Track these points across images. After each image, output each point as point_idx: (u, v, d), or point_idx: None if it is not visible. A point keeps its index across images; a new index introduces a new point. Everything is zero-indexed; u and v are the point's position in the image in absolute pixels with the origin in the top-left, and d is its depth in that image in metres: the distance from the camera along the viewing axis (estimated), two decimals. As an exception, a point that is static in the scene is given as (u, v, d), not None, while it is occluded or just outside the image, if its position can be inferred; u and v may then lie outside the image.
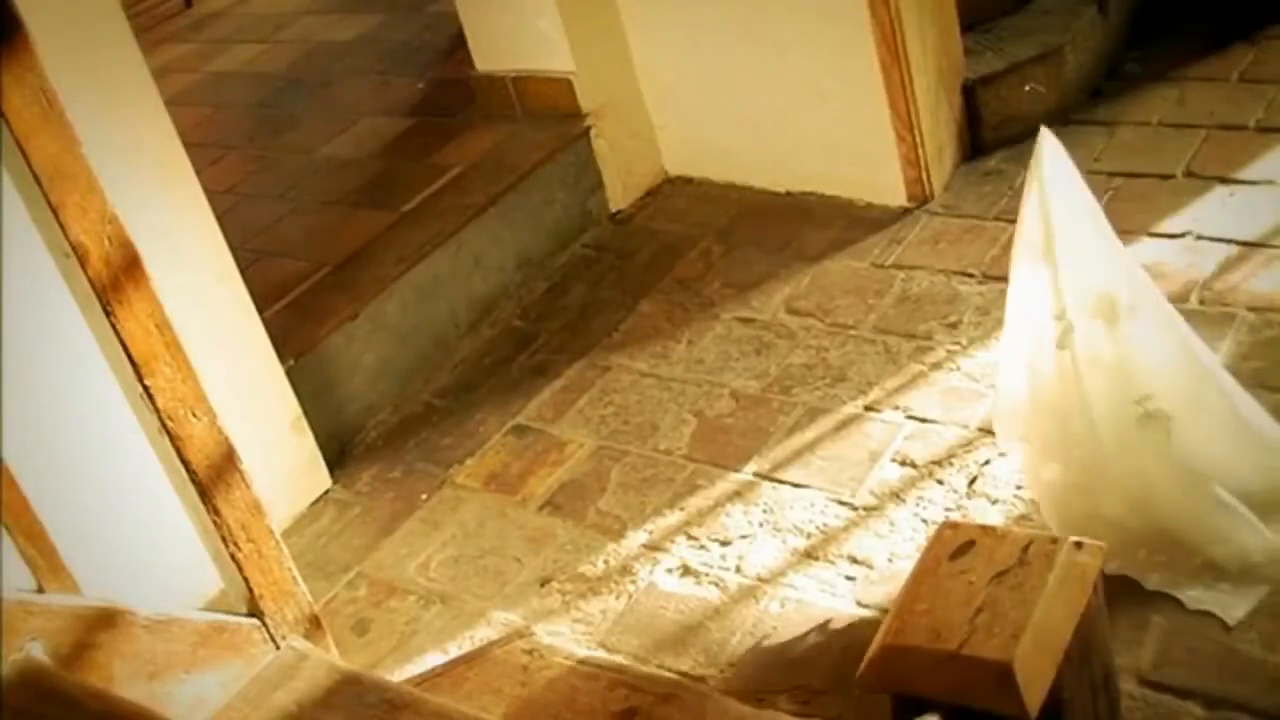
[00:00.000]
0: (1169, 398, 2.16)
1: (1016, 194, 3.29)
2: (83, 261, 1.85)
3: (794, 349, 2.99)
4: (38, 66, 1.79)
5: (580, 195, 3.62)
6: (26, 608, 1.88)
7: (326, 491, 2.97)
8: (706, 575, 2.48)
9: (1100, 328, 2.14)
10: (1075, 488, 2.27)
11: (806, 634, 2.30)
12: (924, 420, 2.69)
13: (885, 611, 1.97)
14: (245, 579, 2.07)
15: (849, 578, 2.39)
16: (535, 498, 2.79)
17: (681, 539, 2.57)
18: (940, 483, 2.53)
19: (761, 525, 2.55)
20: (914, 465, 2.59)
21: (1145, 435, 2.16)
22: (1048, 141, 2.11)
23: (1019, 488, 2.47)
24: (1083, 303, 2.14)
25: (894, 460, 2.61)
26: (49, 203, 1.82)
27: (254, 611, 2.10)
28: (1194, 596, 2.15)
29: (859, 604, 2.33)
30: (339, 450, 3.05)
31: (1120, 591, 2.18)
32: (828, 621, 2.31)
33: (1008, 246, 3.12)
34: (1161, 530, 2.19)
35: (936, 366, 2.82)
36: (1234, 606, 2.11)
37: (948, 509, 2.47)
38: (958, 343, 2.87)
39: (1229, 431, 2.22)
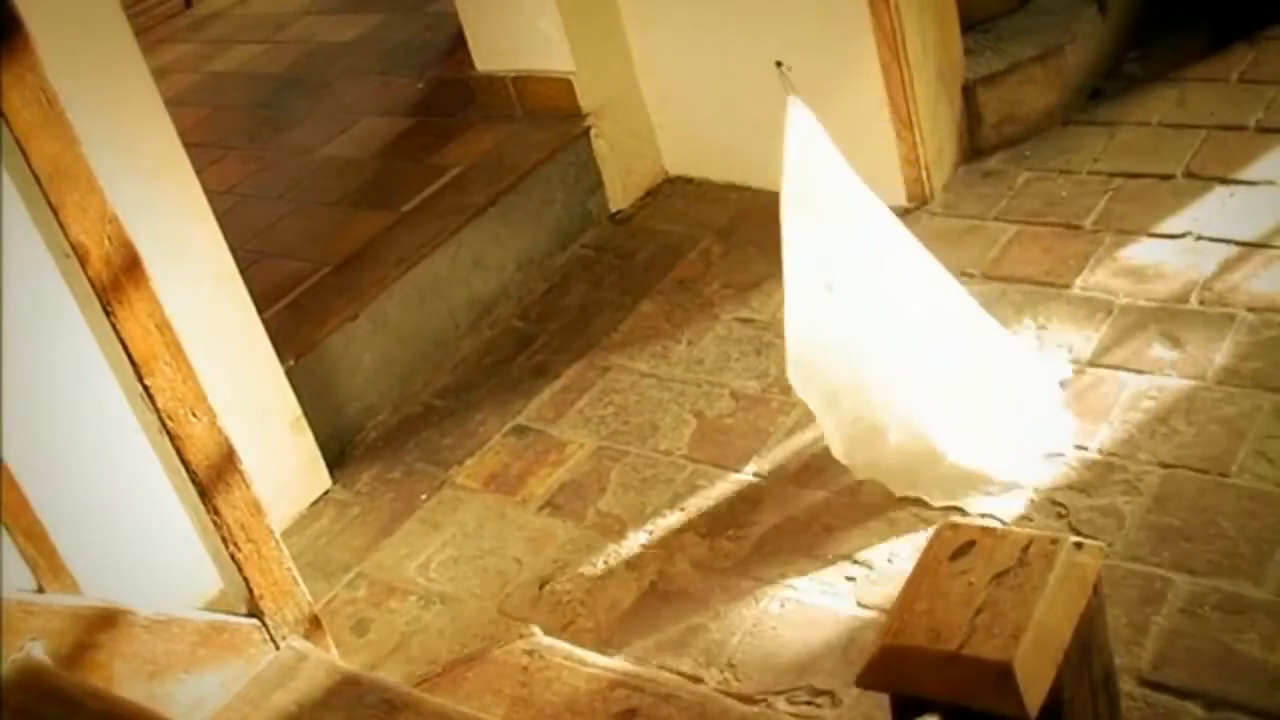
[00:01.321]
0: (928, 332, 2.43)
1: (1017, 194, 3.31)
2: (83, 261, 1.85)
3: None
4: (38, 66, 1.79)
5: (580, 195, 3.62)
6: (26, 608, 1.88)
7: (326, 492, 2.97)
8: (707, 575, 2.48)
9: (859, 273, 2.38)
10: (862, 424, 2.47)
11: (806, 634, 2.30)
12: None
13: (885, 611, 1.98)
14: (245, 579, 2.08)
15: (849, 578, 2.39)
16: (535, 498, 2.79)
17: (682, 539, 2.57)
18: (940, 483, 2.53)
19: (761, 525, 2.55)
20: (914, 465, 2.59)
21: (913, 368, 2.40)
22: (798, 110, 2.35)
23: (1019, 488, 2.47)
24: (842, 252, 2.38)
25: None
26: (49, 203, 1.82)
27: (254, 611, 2.10)
28: (975, 504, 2.40)
29: (859, 604, 2.33)
30: (339, 450, 3.06)
31: (1120, 591, 2.19)
32: (827, 621, 2.31)
33: (1008, 247, 3.14)
34: (933, 451, 2.42)
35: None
36: (1009, 508, 2.37)
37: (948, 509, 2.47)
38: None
39: (977, 354, 2.51)
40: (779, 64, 2.36)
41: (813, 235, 2.39)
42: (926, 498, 2.44)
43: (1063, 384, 2.65)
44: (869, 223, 2.42)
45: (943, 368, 2.44)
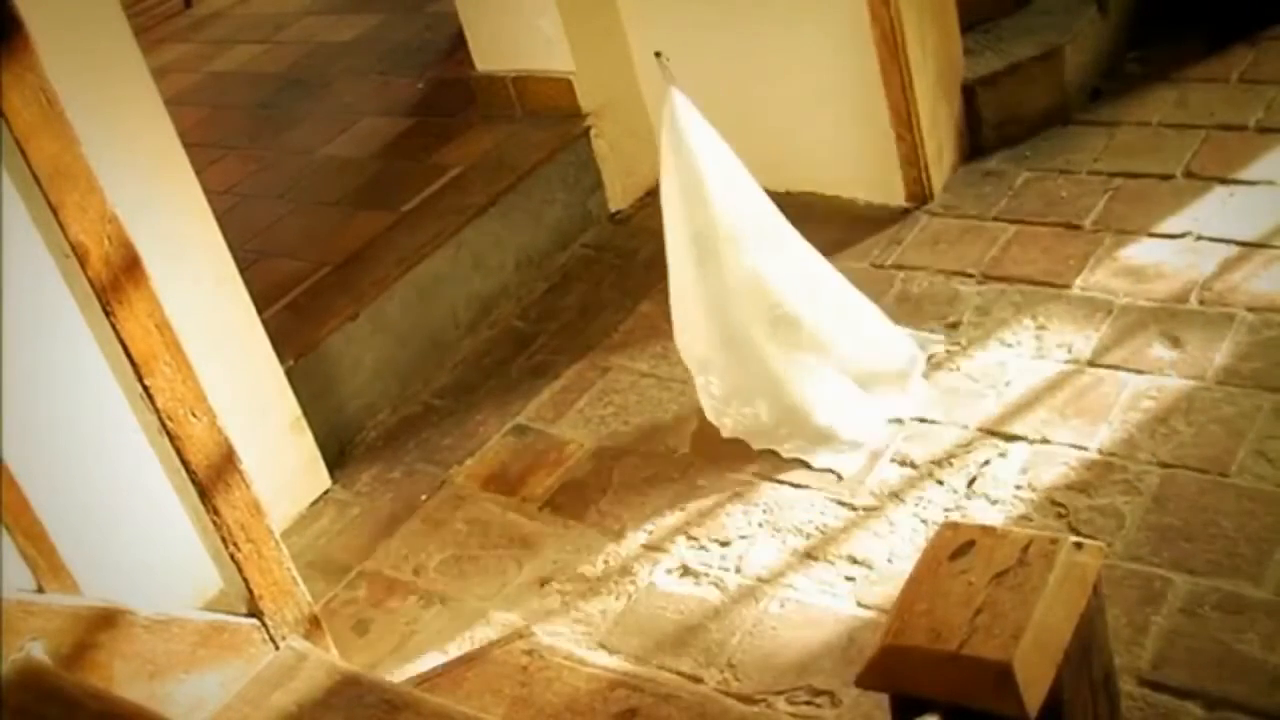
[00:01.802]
0: (794, 303, 2.68)
1: (1017, 194, 3.31)
2: (83, 261, 1.85)
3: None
4: (38, 66, 1.79)
5: (580, 195, 3.62)
6: (26, 608, 1.88)
7: (326, 491, 2.97)
8: (706, 576, 2.48)
9: (734, 252, 2.63)
10: (731, 388, 2.73)
11: (806, 634, 2.30)
12: (924, 420, 2.69)
13: (885, 611, 1.98)
14: (245, 579, 2.08)
15: (849, 578, 2.39)
16: (535, 498, 2.79)
17: (681, 539, 2.57)
18: (940, 483, 2.53)
19: (761, 525, 2.55)
20: (914, 465, 2.59)
21: (779, 335, 2.68)
22: (679, 99, 2.56)
23: (1019, 488, 2.47)
24: (717, 232, 2.62)
25: (894, 460, 2.61)
26: (49, 203, 1.82)
27: (254, 611, 2.10)
28: (823, 460, 2.63)
29: (859, 604, 2.33)
30: (339, 450, 3.05)
31: (1120, 591, 2.19)
32: (828, 621, 2.31)
33: (1007, 247, 3.14)
34: (790, 409, 2.68)
35: (936, 366, 2.82)
36: (849, 465, 2.61)
37: (947, 509, 2.47)
38: (957, 343, 2.87)
39: (842, 326, 2.74)
40: (658, 55, 2.55)
41: (685, 214, 2.63)
42: (779, 450, 2.68)
43: (931, 359, 2.83)
44: (740, 204, 2.64)
45: (806, 337, 2.69)
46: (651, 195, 3.72)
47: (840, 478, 2.59)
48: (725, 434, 2.75)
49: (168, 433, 1.96)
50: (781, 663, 2.26)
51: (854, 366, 2.73)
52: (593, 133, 3.60)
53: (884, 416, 2.70)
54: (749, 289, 2.65)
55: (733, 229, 2.62)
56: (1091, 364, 2.72)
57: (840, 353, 2.72)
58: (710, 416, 2.78)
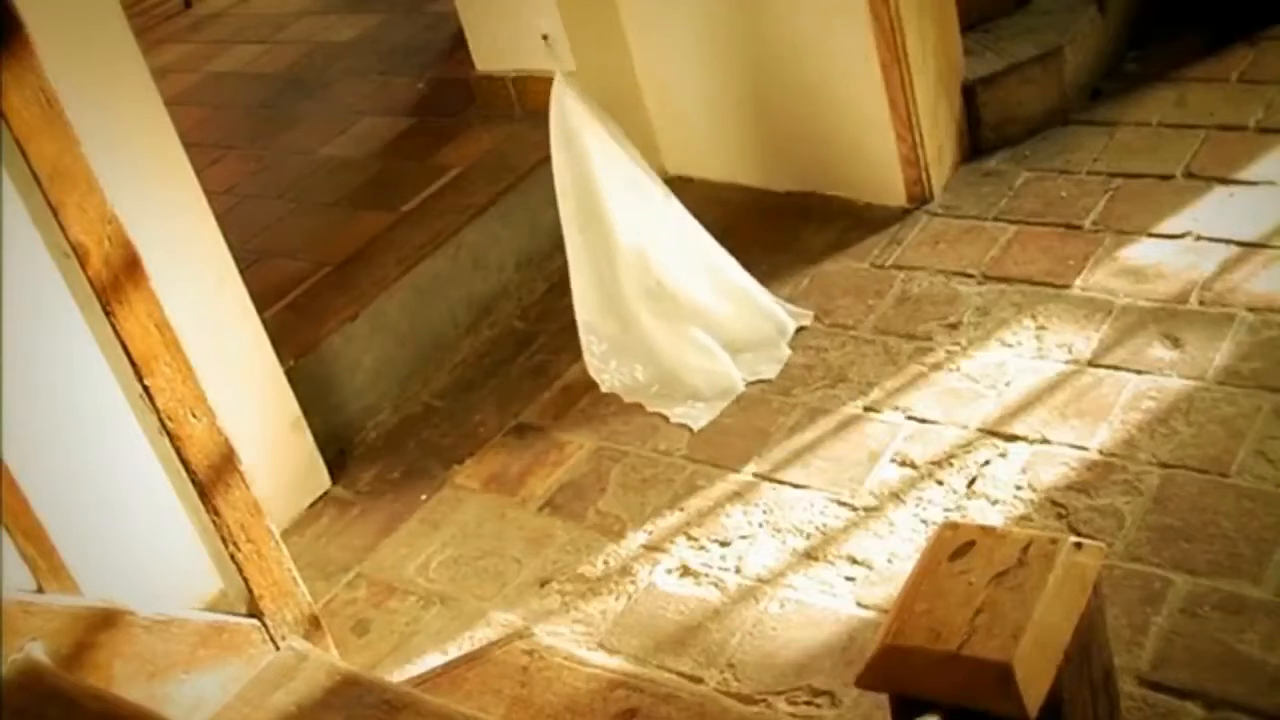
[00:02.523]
0: (673, 276, 2.97)
1: (1017, 194, 3.31)
2: (82, 261, 1.85)
3: (794, 349, 2.99)
4: (38, 66, 1.79)
5: (580, 195, 3.61)
6: (26, 608, 1.88)
7: (326, 492, 2.97)
8: (706, 576, 2.48)
9: (616, 228, 2.91)
10: (611, 349, 3.01)
11: (806, 634, 2.30)
12: (924, 421, 2.69)
13: (885, 611, 1.98)
14: (245, 579, 2.08)
15: (849, 578, 2.39)
16: (535, 498, 2.79)
17: (681, 540, 2.57)
18: (940, 483, 2.53)
19: (761, 526, 2.55)
20: (914, 466, 2.59)
21: (655, 305, 2.96)
22: (565, 90, 2.85)
23: (1019, 488, 2.47)
24: (602, 209, 2.90)
25: (894, 461, 2.61)
26: (49, 203, 1.82)
27: (254, 612, 2.10)
28: (678, 413, 2.88)
29: (859, 604, 2.33)
30: (339, 451, 3.05)
31: (1120, 592, 2.19)
32: (827, 621, 2.31)
33: (1007, 247, 3.14)
34: (662, 370, 2.97)
35: (936, 367, 2.83)
36: (700, 418, 2.86)
37: (947, 509, 2.47)
38: (957, 343, 2.87)
39: (717, 296, 3.01)
40: (544, 37, 2.77)
41: (574, 191, 2.91)
42: (647, 405, 2.94)
43: (800, 329, 3.05)
44: (623, 182, 2.92)
45: (681, 306, 2.97)
46: (651, 195, 3.73)
47: (692, 430, 2.83)
48: (603, 389, 3.01)
49: (168, 433, 1.96)
50: (781, 663, 2.26)
51: (726, 332, 2.99)
52: (593, 133, 3.60)
53: (748, 378, 2.94)
54: (629, 262, 2.94)
55: (615, 206, 2.91)
56: (1091, 364, 2.72)
57: (712, 318, 2.99)
58: (591, 373, 3.03)
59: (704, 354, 2.94)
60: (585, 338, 3.04)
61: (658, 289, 2.97)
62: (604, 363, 3.04)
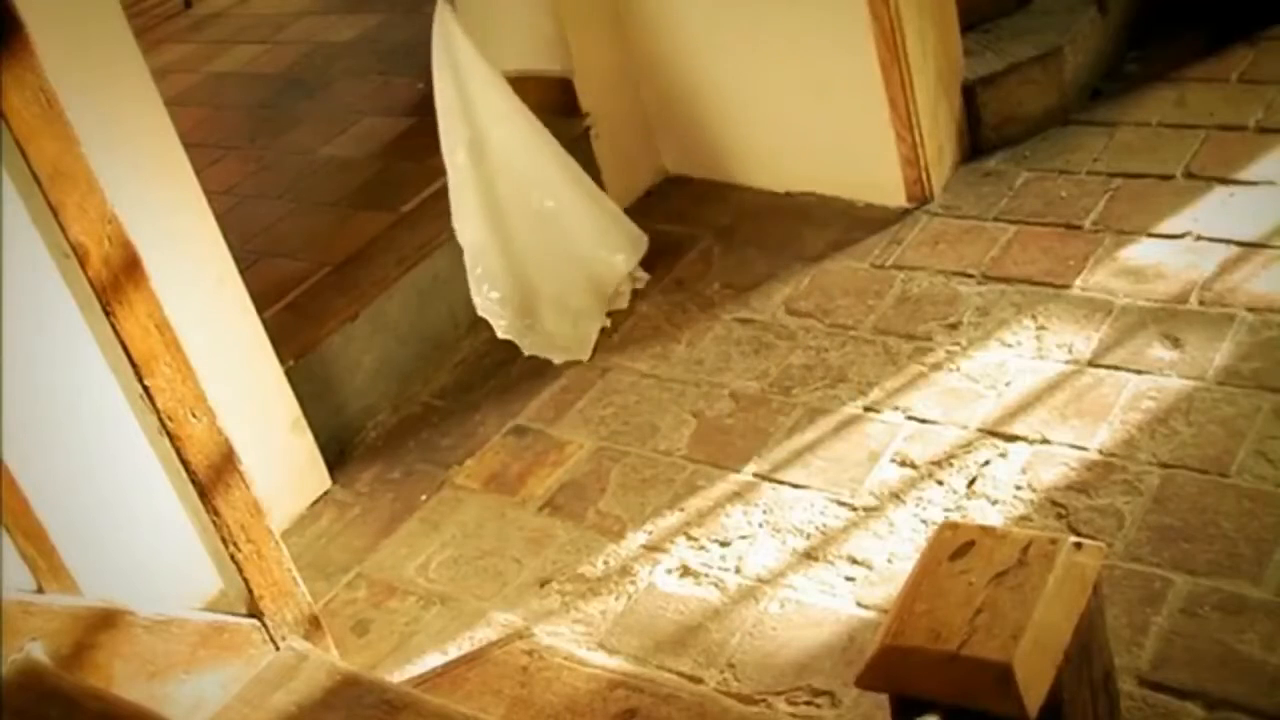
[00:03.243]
0: (553, 198, 3.18)
1: (1017, 194, 3.31)
2: (82, 261, 1.85)
3: (794, 350, 2.99)
4: (38, 66, 1.79)
5: (580, 195, 3.61)
6: (26, 608, 1.88)
7: (326, 492, 2.97)
8: (706, 576, 2.48)
9: (501, 148, 3.11)
10: (489, 271, 3.15)
11: (806, 634, 2.30)
12: (924, 421, 2.69)
13: (885, 612, 1.98)
14: (245, 579, 2.08)
15: (849, 578, 2.39)
16: (535, 498, 2.79)
17: (681, 540, 2.57)
18: (940, 483, 2.53)
19: (761, 526, 2.55)
20: (914, 466, 2.59)
21: (540, 227, 3.17)
22: (447, 15, 3.01)
23: (1019, 488, 2.47)
24: (486, 136, 3.09)
25: (894, 461, 2.61)
26: (49, 203, 1.82)
27: (254, 612, 2.10)
28: (532, 343, 3.16)
29: (859, 604, 2.33)
30: (339, 451, 3.05)
31: (1120, 592, 2.19)
32: (827, 621, 2.31)
33: (1007, 247, 3.14)
34: (534, 295, 3.19)
35: (936, 367, 2.83)
36: (559, 354, 3.13)
37: (947, 509, 2.47)
38: (957, 343, 2.87)
39: (583, 218, 3.25)
40: None
41: (462, 117, 3.07)
42: (518, 342, 3.17)
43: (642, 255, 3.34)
44: (498, 100, 3.12)
45: (553, 229, 3.21)
46: (651, 195, 3.74)
47: (553, 362, 3.09)
48: (479, 313, 3.18)
49: (168, 433, 1.96)
50: (781, 663, 2.26)
51: (590, 254, 3.26)
52: (592, 133, 3.60)
53: (600, 323, 3.20)
54: (512, 180, 3.14)
55: (496, 128, 3.11)
56: (1091, 364, 2.72)
57: (580, 246, 3.24)
58: (474, 294, 3.16)
59: (567, 309, 3.18)
60: (470, 260, 3.12)
61: (539, 206, 3.17)
62: (480, 286, 3.15)
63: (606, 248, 3.28)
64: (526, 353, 3.17)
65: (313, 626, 2.18)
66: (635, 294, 3.32)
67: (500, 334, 3.16)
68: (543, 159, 3.19)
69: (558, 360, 3.13)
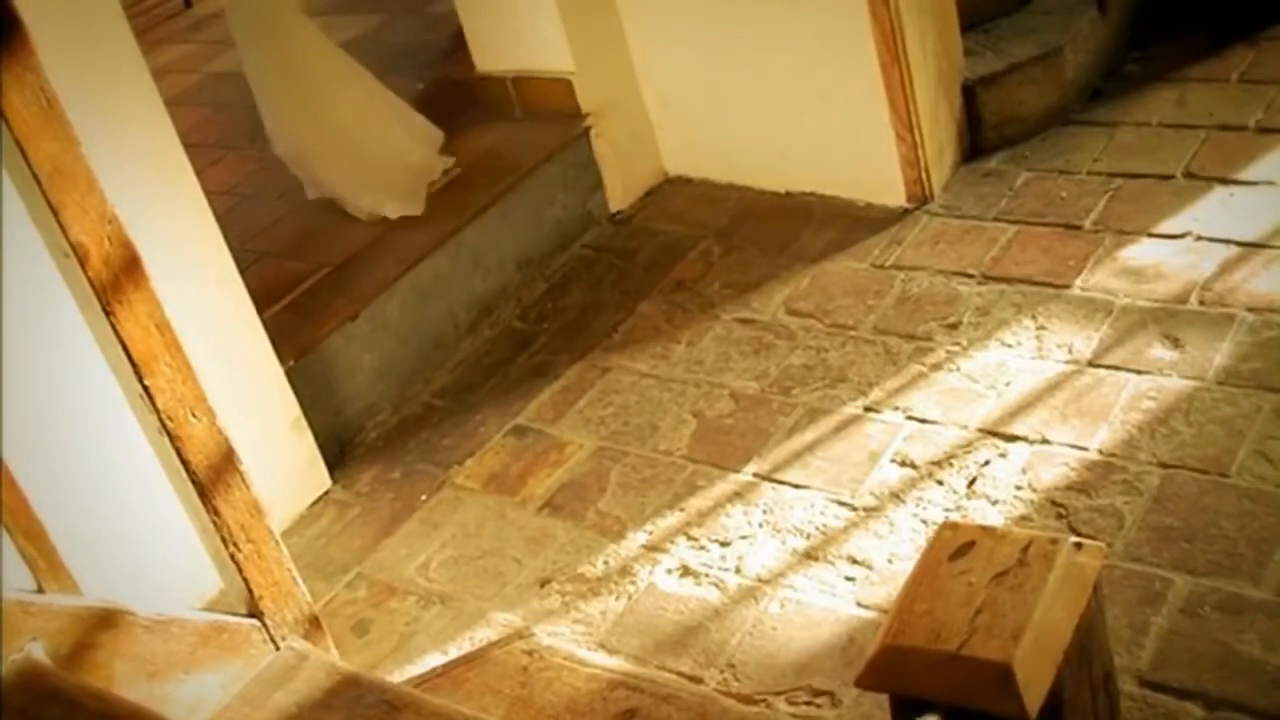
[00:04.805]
0: (355, 66, 3.52)
1: (1017, 194, 3.31)
2: (83, 261, 1.85)
3: (794, 350, 2.99)
4: (38, 66, 1.79)
5: (580, 195, 3.62)
6: (26, 608, 1.88)
7: (326, 492, 2.97)
8: (706, 576, 2.48)
9: (300, 31, 3.38)
10: (311, 156, 3.42)
11: (806, 634, 2.30)
12: (924, 421, 2.69)
13: (885, 612, 1.98)
14: (245, 579, 2.08)
15: (849, 578, 2.39)
16: (535, 498, 2.79)
17: (681, 540, 2.57)
18: (940, 483, 2.53)
19: (761, 526, 2.55)
20: (914, 466, 2.59)
21: (351, 92, 3.46)
22: None
23: (1019, 488, 2.47)
24: (280, 19, 3.34)
25: (894, 461, 2.61)
26: (49, 203, 1.82)
27: (254, 612, 2.10)
28: (366, 201, 3.40)
29: (859, 604, 2.33)
30: (339, 451, 3.05)
31: (1120, 592, 2.19)
32: (827, 622, 2.31)
33: (1007, 247, 3.14)
34: (360, 159, 3.46)
35: (936, 367, 2.83)
36: (394, 211, 3.36)
37: (947, 509, 2.47)
38: (957, 343, 2.87)
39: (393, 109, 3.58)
40: None
41: (270, 23, 3.32)
42: (342, 201, 3.44)
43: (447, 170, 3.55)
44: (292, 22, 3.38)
45: (366, 85, 3.51)
46: (651, 195, 3.74)
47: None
48: (309, 196, 3.52)
49: (168, 433, 1.96)
50: (781, 663, 2.26)
51: (402, 143, 3.52)
52: (593, 133, 3.60)
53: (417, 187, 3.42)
54: (317, 54, 3.40)
55: (291, 18, 3.37)
56: (1091, 364, 2.72)
57: (390, 132, 3.51)
58: (296, 169, 3.48)
59: (398, 147, 3.45)
60: (293, 150, 3.40)
61: (347, 70, 3.45)
62: (307, 190, 3.46)
63: (412, 133, 3.58)
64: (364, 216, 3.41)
65: (313, 626, 2.18)
66: (633, 292, 3.33)
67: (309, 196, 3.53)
68: (339, 64, 3.50)
69: (392, 215, 3.36)
